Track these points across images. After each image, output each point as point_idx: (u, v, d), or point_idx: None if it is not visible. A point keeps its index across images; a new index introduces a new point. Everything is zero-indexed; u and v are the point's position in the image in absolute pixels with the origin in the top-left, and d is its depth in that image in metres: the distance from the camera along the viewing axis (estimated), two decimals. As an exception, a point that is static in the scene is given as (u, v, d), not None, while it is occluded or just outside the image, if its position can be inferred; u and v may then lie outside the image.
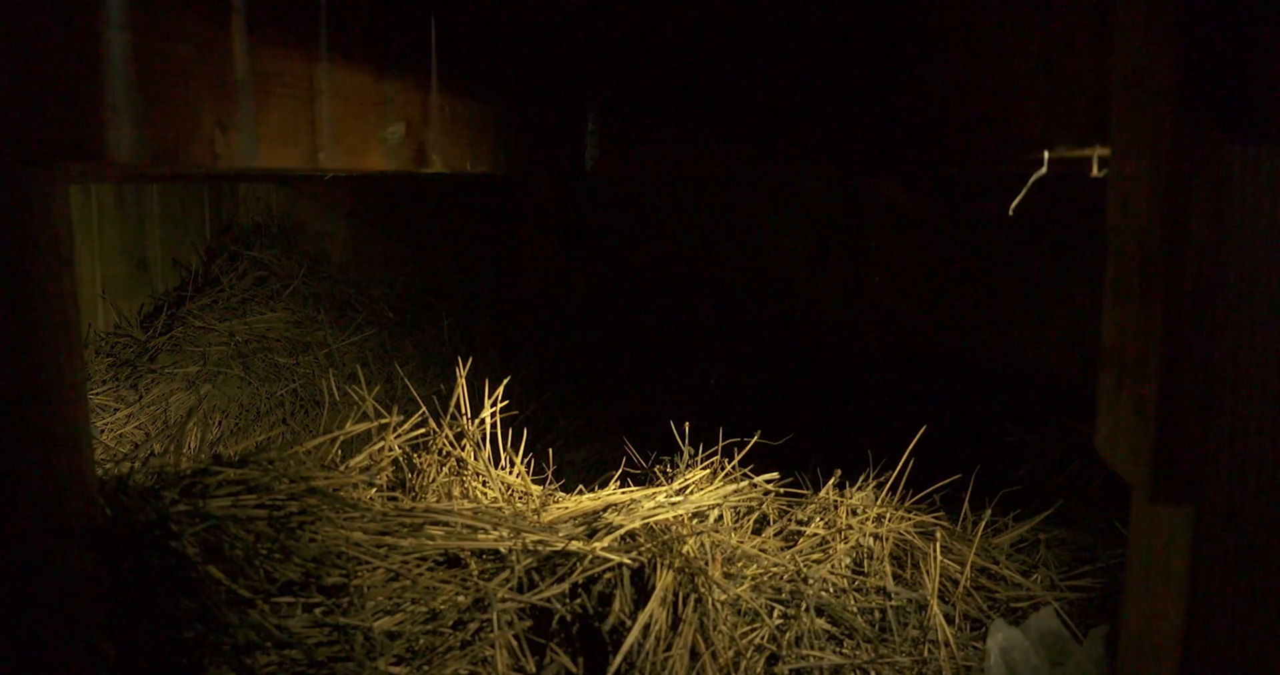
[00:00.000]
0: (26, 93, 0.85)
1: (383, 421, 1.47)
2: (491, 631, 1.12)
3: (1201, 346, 0.66)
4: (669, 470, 1.75)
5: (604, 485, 1.58)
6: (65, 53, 0.89)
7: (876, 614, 1.36)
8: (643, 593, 1.17)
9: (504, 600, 1.13)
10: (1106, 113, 0.91)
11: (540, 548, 1.20)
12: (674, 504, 1.40)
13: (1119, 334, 0.75)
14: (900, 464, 1.62)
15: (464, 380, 1.58)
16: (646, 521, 1.29)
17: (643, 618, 1.13)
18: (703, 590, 1.21)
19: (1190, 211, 0.64)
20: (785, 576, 1.39)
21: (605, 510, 1.33)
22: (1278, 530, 0.67)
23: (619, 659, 1.11)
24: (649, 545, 1.22)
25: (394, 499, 1.35)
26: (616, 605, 1.15)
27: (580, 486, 1.63)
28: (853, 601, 1.37)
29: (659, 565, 1.19)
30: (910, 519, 1.51)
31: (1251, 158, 0.64)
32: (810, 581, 1.37)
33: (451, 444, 1.52)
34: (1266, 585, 0.68)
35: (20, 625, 0.93)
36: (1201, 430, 0.67)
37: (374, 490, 1.34)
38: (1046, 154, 1.23)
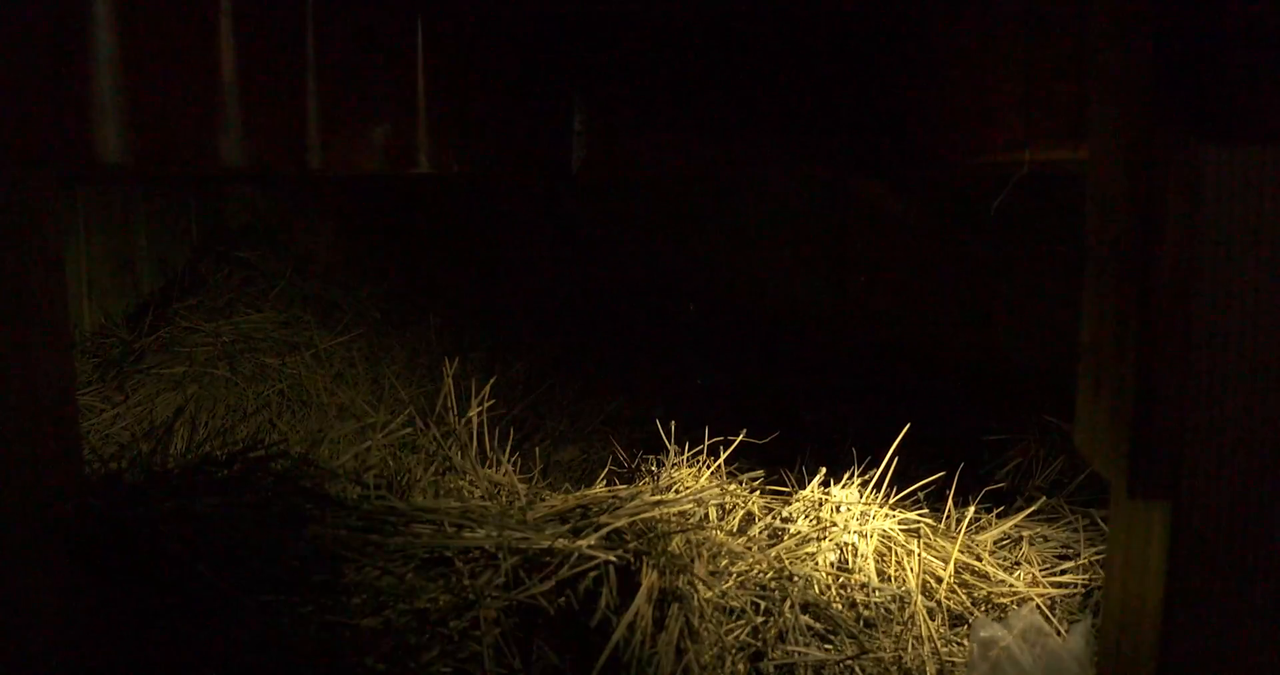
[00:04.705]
0: (13, 94, 0.86)
1: (369, 421, 1.48)
2: (478, 629, 1.12)
3: (1177, 345, 0.67)
4: (655, 469, 1.76)
5: (590, 484, 1.59)
6: (52, 53, 0.89)
7: (860, 610, 1.37)
8: (628, 590, 1.18)
9: (490, 598, 1.14)
10: (1085, 114, 0.92)
11: (526, 546, 1.20)
12: (660, 502, 1.41)
13: (1097, 333, 0.77)
14: (884, 462, 1.63)
15: (451, 380, 1.58)
16: (632, 519, 1.30)
17: (628, 615, 1.14)
18: (688, 587, 1.22)
19: (1164, 212, 0.65)
20: (769, 573, 1.40)
21: (591, 508, 1.34)
22: (1253, 524, 0.68)
23: (605, 656, 1.12)
24: (635, 543, 1.23)
25: (381, 498, 1.35)
26: (602, 603, 1.16)
27: (567, 485, 1.64)
28: (837, 598, 1.38)
29: (645, 563, 1.20)
30: (894, 516, 1.52)
31: (1225, 159, 0.65)
32: (795, 578, 1.38)
33: (439, 443, 1.52)
34: (1243, 579, 0.69)
35: (5, 623, 0.93)
36: (1177, 427, 0.68)
37: (361, 489, 1.34)
38: (1026, 154, 1.24)
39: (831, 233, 3.08)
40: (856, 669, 1.26)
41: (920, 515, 1.54)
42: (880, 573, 1.43)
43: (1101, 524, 1.60)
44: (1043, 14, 1.23)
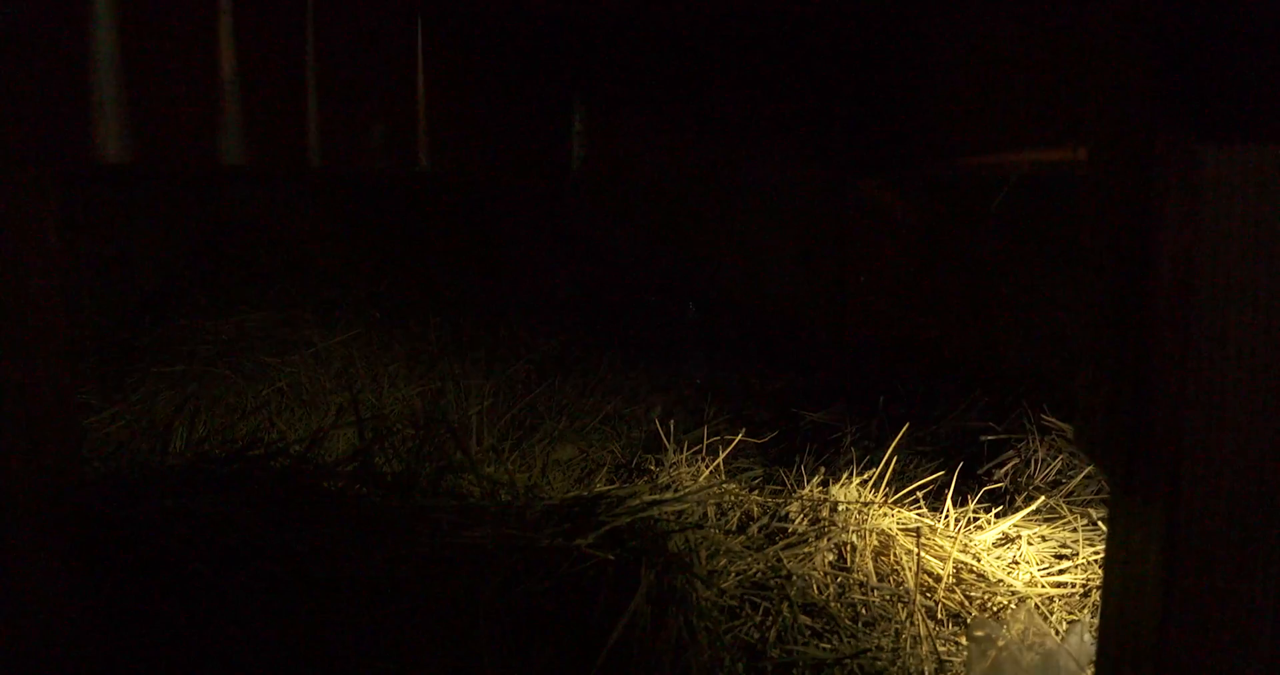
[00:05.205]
0: (13, 93, 0.86)
1: (369, 419, 1.48)
2: (477, 628, 1.12)
3: (1175, 345, 0.67)
4: (654, 468, 1.76)
5: (590, 483, 1.59)
6: (53, 50, 0.89)
7: (859, 609, 1.37)
8: (627, 589, 1.18)
9: (489, 597, 1.14)
10: (1084, 114, 0.92)
11: (525, 545, 1.20)
12: (659, 501, 1.41)
13: (1096, 332, 0.77)
14: (883, 461, 1.63)
15: (451, 379, 1.58)
16: (631, 519, 1.30)
17: (627, 614, 1.14)
18: (686, 587, 1.22)
19: (1163, 212, 0.65)
20: (768, 573, 1.40)
21: (590, 508, 1.34)
22: (1253, 524, 0.68)
23: (604, 655, 1.12)
24: (633, 542, 1.23)
25: (380, 496, 1.35)
26: (601, 602, 1.16)
27: (566, 484, 1.64)
28: (835, 597, 1.38)
29: (643, 562, 1.20)
30: (893, 515, 1.52)
31: (1225, 158, 0.65)
32: (793, 577, 1.38)
33: (438, 442, 1.52)
34: (1242, 579, 0.69)
35: (4, 623, 0.93)
36: (1176, 427, 0.68)
37: (360, 488, 1.34)
38: (1026, 154, 1.24)
39: (831, 233, 3.08)
40: (855, 668, 1.26)
41: (919, 514, 1.55)
42: (878, 572, 1.43)
43: (1100, 524, 1.60)
44: (1042, 14, 1.23)
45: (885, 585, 1.41)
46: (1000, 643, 1.22)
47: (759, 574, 1.39)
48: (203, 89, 1.09)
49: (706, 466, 1.68)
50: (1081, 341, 0.80)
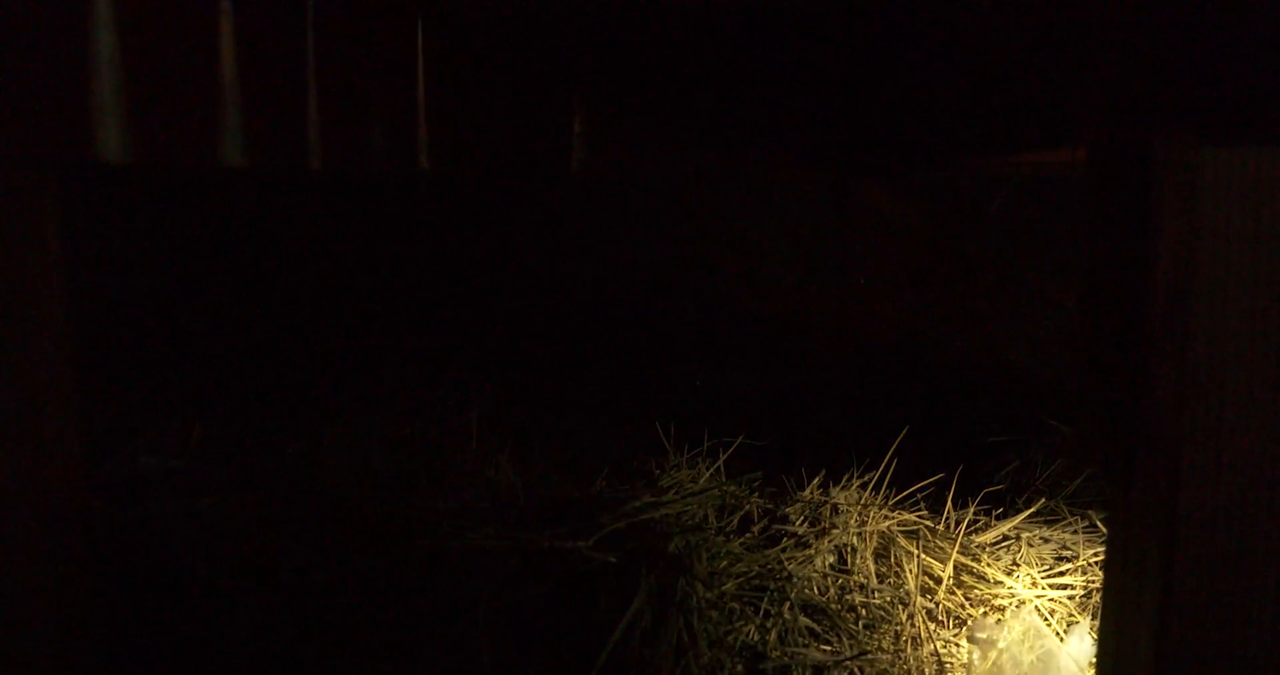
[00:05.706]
0: (14, 93, 0.86)
1: (368, 421, 1.48)
2: (478, 629, 1.12)
3: (1174, 348, 0.67)
4: (655, 470, 1.76)
5: (590, 485, 1.59)
6: (53, 52, 0.89)
7: (859, 611, 1.37)
8: (627, 591, 1.18)
9: (490, 598, 1.14)
10: (1084, 115, 0.92)
11: (525, 547, 1.20)
12: (659, 503, 1.41)
13: (1096, 334, 0.77)
14: (884, 463, 1.63)
15: (451, 380, 1.58)
16: (631, 521, 1.30)
17: (627, 616, 1.14)
18: (687, 588, 1.22)
19: (1162, 213, 0.65)
20: (769, 575, 1.40)
21: (590, 510, 1.34)
22: (1251, 526, 0.68)
23: (604, 656, 1.12)
24: (634, 544, 1.23)
25: (381, 498, 1.35)
26: (602, 603, 1.16)
27: (567, 487, 1.63)
28: (836, 599, 1.38)
29: (644, 564, 1.20)
30: (893, 518, 1.52)
31: (1223, 160, 0.65)
32: (794, 579, 1.38)
33: (439, 444, 1.52)
34: (1240, 581, 0.69)
35: (5, 623, 0.93)
36: (1175, 429, 0.68)
37: (360, 489, 1.34)
38: (1026, 156, 1.24)
39: (831, 233, 3.07)
40: (855, 670, 1.26)
41: (919, 517, 1.54)
42: (879, 574, 1.43)
43: (1100, 526, 1.60)
44: (1043, 15, 1.23)
45: (886, 587, 1.41)
46: (1001, 645, 1.22)
47: (759, 576, 1.39)
48: (203, 89, 1.09)
49: (707, 469, 1.68)
50: (1081, 343, 0.80)
